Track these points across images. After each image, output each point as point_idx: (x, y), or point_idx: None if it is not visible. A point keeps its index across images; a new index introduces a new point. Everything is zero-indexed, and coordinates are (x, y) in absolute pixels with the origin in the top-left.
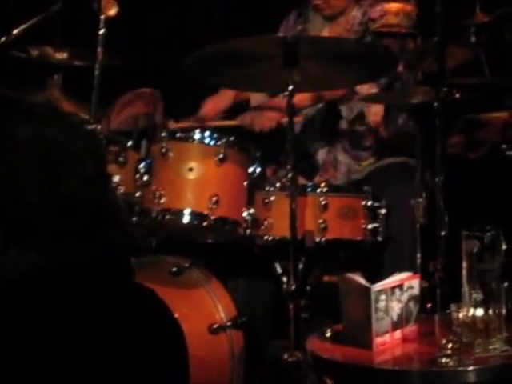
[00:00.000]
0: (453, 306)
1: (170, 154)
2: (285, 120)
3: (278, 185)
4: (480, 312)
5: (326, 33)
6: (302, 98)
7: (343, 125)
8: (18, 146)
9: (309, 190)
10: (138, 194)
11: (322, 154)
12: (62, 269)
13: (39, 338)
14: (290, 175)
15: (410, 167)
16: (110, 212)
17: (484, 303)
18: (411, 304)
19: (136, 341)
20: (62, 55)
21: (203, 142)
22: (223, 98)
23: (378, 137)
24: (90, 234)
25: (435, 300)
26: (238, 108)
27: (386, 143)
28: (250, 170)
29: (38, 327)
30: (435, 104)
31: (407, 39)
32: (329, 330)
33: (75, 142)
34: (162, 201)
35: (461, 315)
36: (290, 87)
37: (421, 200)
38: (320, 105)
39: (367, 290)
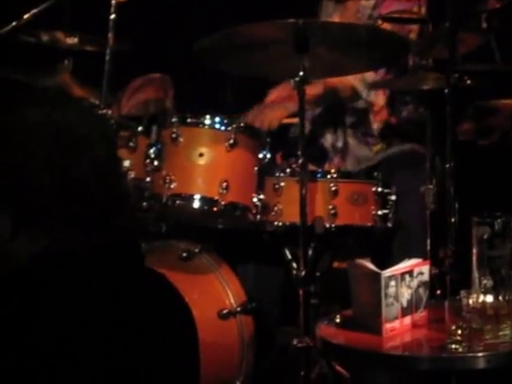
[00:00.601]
0: (463, 293)
1: (181, 140)
2: (287, 120)
3: (288, 170)
4: (490, 298)
5: (336, 18)
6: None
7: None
8: (29, 129)
9: (319, 175)
10: (148, 179)
11: (330, 139)
12: (72, 253)
13: (51, 322)
14: (300, 161)
15: (420, 154)
16: (121, 196)
17: (494, 289)
18: (421, 290)
19: (147, 325)
20: (72, 40)
21: (213, 127)
22: (285, 89)
23: (385, 122)
24: (101, 219)
25: (445, 286)
26: None
27: (394, 129)
28: (260, 155)
29: (50, 313)
30: (446, 90)
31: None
32: (338, 316)
33: (86, 125)
34: (172, 186)
35: (471, 301)
36: (301, 73)
37: (431, 186)
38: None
39: (377, 276)
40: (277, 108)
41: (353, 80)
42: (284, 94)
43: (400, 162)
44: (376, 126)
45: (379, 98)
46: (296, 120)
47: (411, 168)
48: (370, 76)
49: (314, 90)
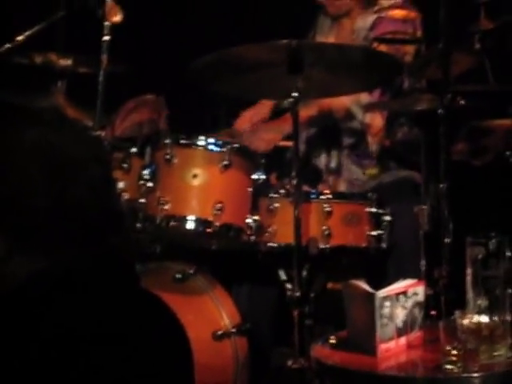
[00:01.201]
0: (457, 313)
1: (175, 161)
2: (282, 143)
3: (282, 191)
4: (485, 319)
5: (331, 37)
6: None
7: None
8: (25, 150)
9: (313, 196)
10: (142, 201)
11: (324, 160)
12: (67, 274)
13: (48, 341)
14: (294, 182)
15: (415, 182)
16: (115, 218)
17: (489, 310)
18: (416, 310)
19: (143, 346)
20: (66, 62)
21: (207, 149)
22: (260, 110)
23: (381, 144)
24: (96, 240)
25: (440, 307)
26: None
27: (389, 151)
28: (255, 176)
29: (47, 331)
30: (439, 111)
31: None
32: (333, 337)
33: (81, 147)
34: (166, 207)
35: (465, 322)
36: (295, 94)
37: (425, 207)
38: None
39: (372, 297)
40: (272, 130)
41: (347, 101)
42: (257, 116)
43: (394, 190)
44: (375, 147)
45: (377, 120)
46: (290, 143)
47: (405, 196)
48: (364, 97)
49: (307, 111)
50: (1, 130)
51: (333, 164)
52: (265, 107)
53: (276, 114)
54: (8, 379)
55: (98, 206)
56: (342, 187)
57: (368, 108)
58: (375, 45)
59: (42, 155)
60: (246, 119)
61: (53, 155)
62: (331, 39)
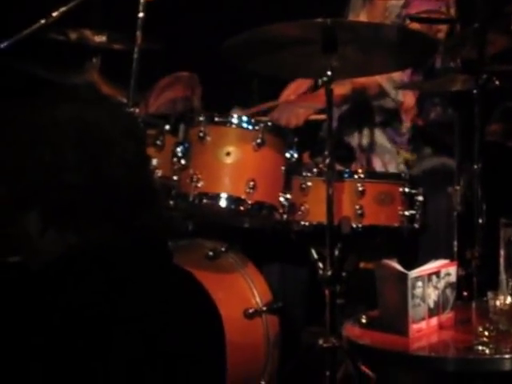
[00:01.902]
0: (490, 294)
1: (208, 138)
2: (313, 117)
3: (315, 170)
4: None
5: (364, 16)
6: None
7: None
8: (58, 127)
9: (346, 175)
10: (175, 178)
11: (357, 138)
12: (101, 251)
13: (77, 319)
14: (327, 161)
15: (450, 170)
16: (149, 195)
17: None
18: (448, 291)
19: (176, 323)
20: (100, 38)
21: (241, 127)
22: (303, 83)
23: (414, 122)
24: (129, 217)
25: (472, 288)
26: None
27: (422, 132)
28: (287, 155)
29: (78, 308)
30: (474, 91)
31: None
32: (364, 317)
33: (115, 124)
34: (199, 185)
35: (498, 303)
36: (329, 73)
37: (458, 188)
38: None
39: (404, 277)
40: (303, 106)
41: (380, 79)
42: (301, 88)
43: (432, 179)
44: (407, 125)
45: (409, 98)
46: (322, 116)
47: (441, 184)
48: (397, 75)
49: (341, 89)
50: (35, 106)
51: (365, 142)
52: (306, 82)
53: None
54: (41, 354)
55: (131, 183)
56: (376, 164)
57: (401, 88)
58: (408, 23)
59: (75, 132)
60: (292, 90)
61: (86, 132)
62: (363, 17)
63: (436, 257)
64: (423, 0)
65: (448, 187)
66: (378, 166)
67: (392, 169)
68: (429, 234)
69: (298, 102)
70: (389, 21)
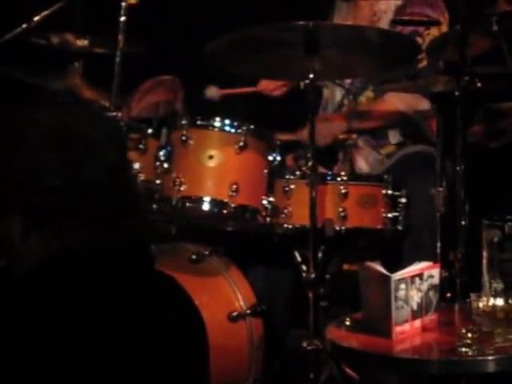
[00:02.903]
0: (473, 296)
1: (190, 142)
2: (343, 137)
3: (298, 173)
4: (500, 302)
5: (349, 19)
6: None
7: None
8: (40, 132)
9: (329, 178)
10: (158, 182)
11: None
12: (83, 256)
13: (59, 323)
14: (310, 163)
15: (431, 156)
16: (131, 199)
17: (504, 293)
18: (431, 293)
19: (157, 328)
20: (82, 42)
21: (223, 130)
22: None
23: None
24: (111, 221)
25: (455, 289)
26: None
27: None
28: (270, 157)
29: (60, 312)
30: (456, 93)
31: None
32: (348, 319)
33: (96, 128)
34: (182, 188)
35: (481, 304)
36: (311, 75)
37: (441, 189)
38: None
39: (387, 279)
40: (331, 125)
41: (400, 106)
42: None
43: (411, 163)
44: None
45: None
46: (353, 136)
47: (422, 170)
48: (425, 105)
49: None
50: (15, 110)
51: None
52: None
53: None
54: (24, 356)
55: (113, 187)
56: (360, 168)
57: (383, 89)
58: (395, 26)
59: (55, 136)
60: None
61: (67, 136)
62: (349, 21)
63: (420, 258)
64: (419, 5)
65: (429, 175)
66: (362, 165)
67: (376, 168)
68: (412, 235)
69: (326, 123)
70: (378, 25)
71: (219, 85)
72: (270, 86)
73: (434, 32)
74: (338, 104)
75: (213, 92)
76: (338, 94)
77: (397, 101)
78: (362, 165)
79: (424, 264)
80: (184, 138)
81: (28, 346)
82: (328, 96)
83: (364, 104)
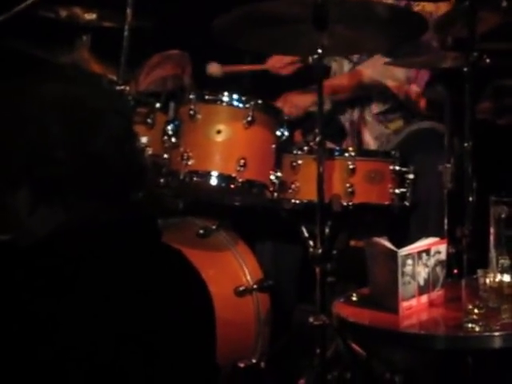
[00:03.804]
0: (480, 272)
1: (198, 116)
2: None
3: (305, 148)
4: (507, 278)
5: None
6: (342, 86)
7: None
8: (44, 104)
9: (336, 153)
10: (165, 156)
11: (348, 116)
12: (89, 228)
13: (68, 297)
14: (317, 139)
15: (439, 132)
16: (137, 172)
17: (511, 269)
18: (438, 269)
19: (164, 301)
20: (90, 16)
21: (231, 105)
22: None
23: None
24: (118, 194)
25: (462, 265)
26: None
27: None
28: (278, 133)
29: (68, 287)
30: (465, 69)
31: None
32: (355, 294)
33: (101, 101)
34: (189, 163)
35: (488, 281)
36: (319, 51)
37: (449, 166)
38: None
39: (394, 255)
40: (306, 97)
41: (376, 75)
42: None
43: (419, 139)
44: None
45: (413, 88)
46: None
47: (429, 147)
48: (400, 72)
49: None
50: (21, 83)
51: (356, 119)
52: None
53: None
54: (28, 328)
55: (118, 159)
56: (368, 143)
57: (389, 63)
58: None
59: (60, 108)
60: (278, 58)
61: (72, 108)
62: None
63: (427, 234)
64: None
65: (437, 152)
66: (370, 142)
67: (383, 143)
68: (419, 211)
69: (299, 94)
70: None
71: (227, 60)
72: (277, 64)
73: (428, 7)
74: None
75: (214, 69)
76: (346, 66)
77: (369, 71)
78: (370, 140)
79: (431, 240)
80: (192, 112)
81: (31, 318)
82: (336, 68)
83: (336, 76)
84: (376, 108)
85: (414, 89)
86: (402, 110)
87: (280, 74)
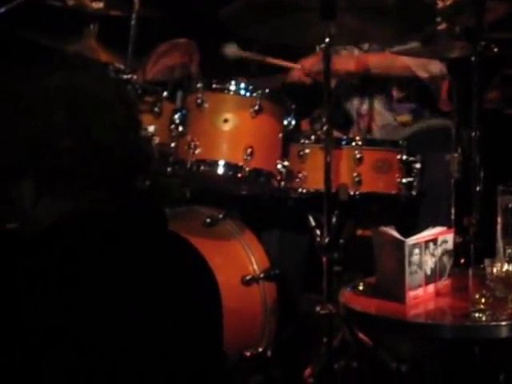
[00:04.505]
0: (487, 261)
1: (206, 105)
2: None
3: (312, 137)
4: None
5: None
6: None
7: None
8: (49, 94)
9: (344, 142)
10: (172, 145)
11: (356, 104)
12: (95, 217)
13: (74, 284)
14: (325, 128)
15: (448, 131)
16: (142, 160)
17: None
18: (445, 258)
19: (171, 289)
20: (98, 4)
21: (239, 94)
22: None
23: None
24: (122, 182)
25: (469, 255)
26: None
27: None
28: (285, 122)
29: (73, 272)
30: (473, 58)
31: None
32: (361, 283)
33: (105, 89)
34: (196, 151)
35: (495, 270)
36: (327, 40)
37: (456, 155)
38: None
39: (401, 244)
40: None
41: (409, 62)
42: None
43: (428, 138)
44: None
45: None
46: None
47: (439, 145)
48: (435, 67)
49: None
50: (25, 72)
51: (364, 108)
52: None
53: None
54: (34, 313)
55: (123, 147)
56: (375, 132)
57: (397, 53)
58: None
59: (64, 97)
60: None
61: (76, 97)
62: None
63: (434, 224)
64: None
65: (446, 149)
66: (377, 132)
67: (391, 133)
68: (427, 201)
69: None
70: None
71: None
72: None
73: None
74: None
75: (231, 50)
76: (356, 54)
77: (405, 58)
78: (376, 128)
79: (438, 229)
80: (199, 101)
81: (37, 305)
82: None
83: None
84: (396, 93)
85: (445, 87)
86: (416, 101)
87: (303, 81)
